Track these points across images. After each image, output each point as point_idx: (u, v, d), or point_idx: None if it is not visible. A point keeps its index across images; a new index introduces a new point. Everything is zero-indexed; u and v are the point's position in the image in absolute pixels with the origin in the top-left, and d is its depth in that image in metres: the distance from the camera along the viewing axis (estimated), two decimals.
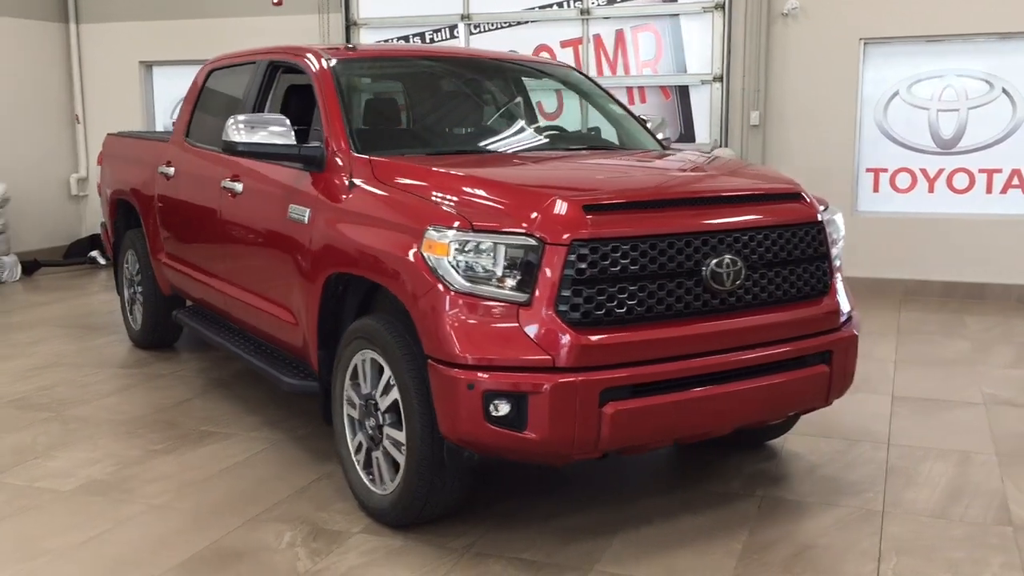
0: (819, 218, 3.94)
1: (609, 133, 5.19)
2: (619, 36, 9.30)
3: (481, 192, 3.60)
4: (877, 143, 8.87)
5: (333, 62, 4.61)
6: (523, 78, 5.40)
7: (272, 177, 4.60)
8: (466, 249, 3.36)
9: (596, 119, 5.30)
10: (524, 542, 3.66)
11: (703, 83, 9.10)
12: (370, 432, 3.82)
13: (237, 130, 4.26)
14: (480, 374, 3.29)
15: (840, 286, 4.12)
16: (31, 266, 10.19)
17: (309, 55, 4.71)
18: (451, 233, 3.38)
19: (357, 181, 4.01)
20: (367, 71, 4.81)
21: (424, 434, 3.50)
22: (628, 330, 3.39)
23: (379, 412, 3.75)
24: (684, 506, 3.99)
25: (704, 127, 9.16)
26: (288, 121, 4.29)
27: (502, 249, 3.35)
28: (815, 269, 3.89)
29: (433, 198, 3.63)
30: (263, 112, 5.03)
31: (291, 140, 4.25)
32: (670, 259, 3.47)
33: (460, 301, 3.36)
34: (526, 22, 9.56)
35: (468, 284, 3.35)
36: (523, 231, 3.36)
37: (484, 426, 3.31)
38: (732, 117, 9.04)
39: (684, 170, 4.29)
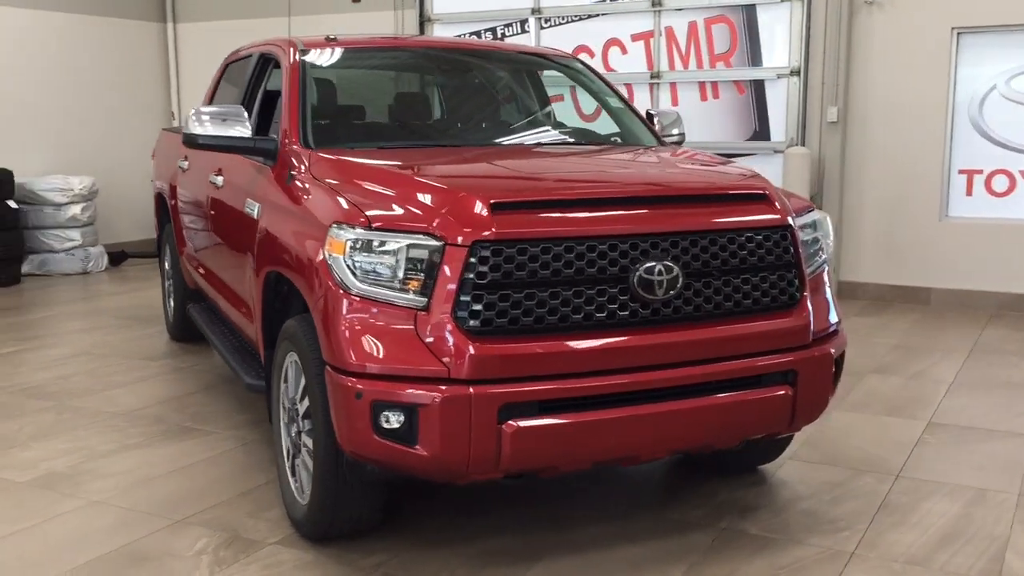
0: (788, 222, 3.52)
1: (604, 127, 4.86)
2: (692, 28, 8.86)
3: (394, 189, 3.37)
4: (971, 142, 8.12)
5: (301, 54, 4.47)
6: (514, 69, 5.12)
7: (240, 170, 4.50)
8: (363, 248, 3.14)
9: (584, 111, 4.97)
10: (438, 564, 3.41)
11: (779, 77, 8.56)
12: (293, 438, 3.66)
13: (196, 122, 4.17)
14: (369, 383, 3.07)
15: (824, 298, 3.71)
16: (118, 257, 10.55)
17: (283, 47, 4.59)
18: (349, 231, 3.17)
19: (294, 175, 3.85)
20: (340, 63, 4.64)
21: (327, 444, 3.30)
22: (536, 341, 3.09)
23: (299, 418, 3.58)
24: (626, 534, 3.65)
25: (780, 124, 8.62)
26: (245, 113, 4.18)
27: (401, 249, 3.11)
28: (778, 279, 3.48)
29: (346, 194, 3.42)
30: (253, 106, 4.93)
31: (247, 133, 4.13)
32: (589, 264, 3.14)
33: (355, 304, 3.14)
34: (596, 15, 9.23)
35: (364, 286, 3.13)
36: (423, 231, 3.12)
37: (373, 439, 3.08)
38: (810, 114, 8.47)
39: (633, 167, 3.94)
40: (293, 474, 3.71)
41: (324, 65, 4.53)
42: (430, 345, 3.05)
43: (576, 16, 9.32)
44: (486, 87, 5.10)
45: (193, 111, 4.19)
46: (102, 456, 4.51)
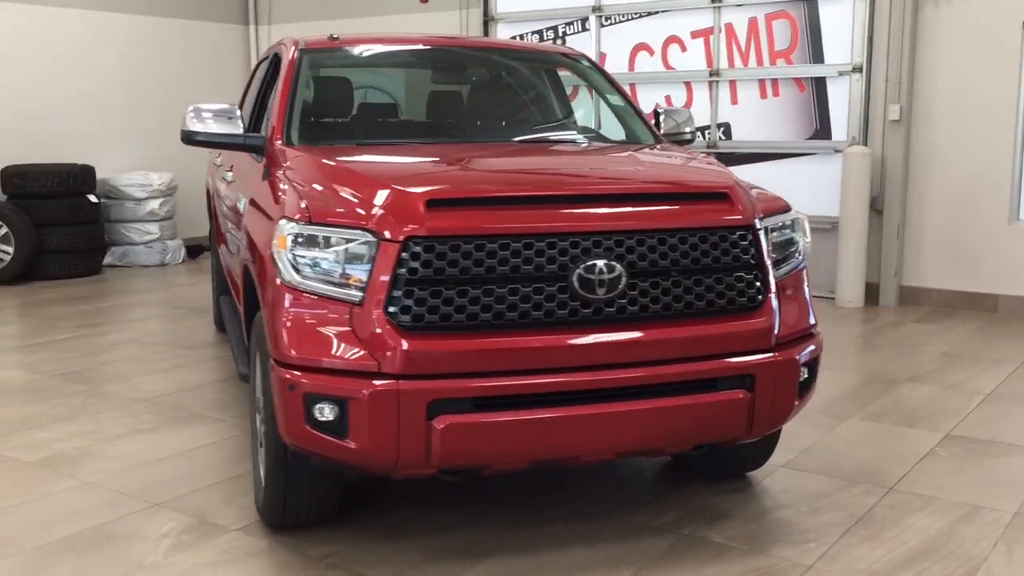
0: (750, 222, 3.42)
1: (606, 125, 4.80)
2: (752, 24, 8.65)
3: (345, 185, 3.41)
4: None
5: (300, 53, 4.56)
6: (513, 67, 5.11)
7: (242, 167, 4.63)
8: (304, 243, 3.19)
9: (583, 108, 4.92)
10: (380, 557, 3.44)
11: (841, 74, 8.28)
12: (258, 428, 3.75)
13: (194, 119, 4.30)
14: (303, 375, 3.12)
15: (797, 301, 3.60)
16: (195, 250, 10.96)
17: (286, 46, 4.69)
18: (292, 226, 3.23)
19: (271, 171, 3.94)
20: (338, 62, 4.72)
21: (275, 436, 3.37)
22: (469, 338, 3.08)
23: (261, 408, 3.66)
24: (584, 536, 3.61)
25: (841, 123, 8.33)
26: (238, 111, 4.29)
27: (338, 244, 3.15)
28: (736, 281, 3.38)
29: (301, 190, 3.48)
30: (266, 103, 5.06)
31: (237, 129, 4.24)
32: (526, 261, 3.12)
33: (295, 297, 3.20)
34: (656, 12, 9.11)
35: (304, 280, 3.18)
36: (360, 226, 3.15)
37: (307, 430, 3.14)
38: (873, 112, 8.16)
39: (596, 165, 3.89)
40: (258, 463, 3.79)
41: (322, 64, 4.62)
42: (363, 340, 3.08)
43: (636, 13, 9.22)
44: (483, 85, 5.10)
45: (191, 108, 4.32)
46: (110, 439, 4.70)
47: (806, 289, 3.74)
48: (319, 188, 3.45)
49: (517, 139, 4.58)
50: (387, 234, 3.09)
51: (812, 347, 3.61)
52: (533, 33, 9.88)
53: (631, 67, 9.33)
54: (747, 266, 3.40)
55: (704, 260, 3.32)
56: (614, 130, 4.88)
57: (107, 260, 10.29)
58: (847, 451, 4.53)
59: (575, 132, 4.79)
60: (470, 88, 5.07)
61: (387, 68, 5.06)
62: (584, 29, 9.54)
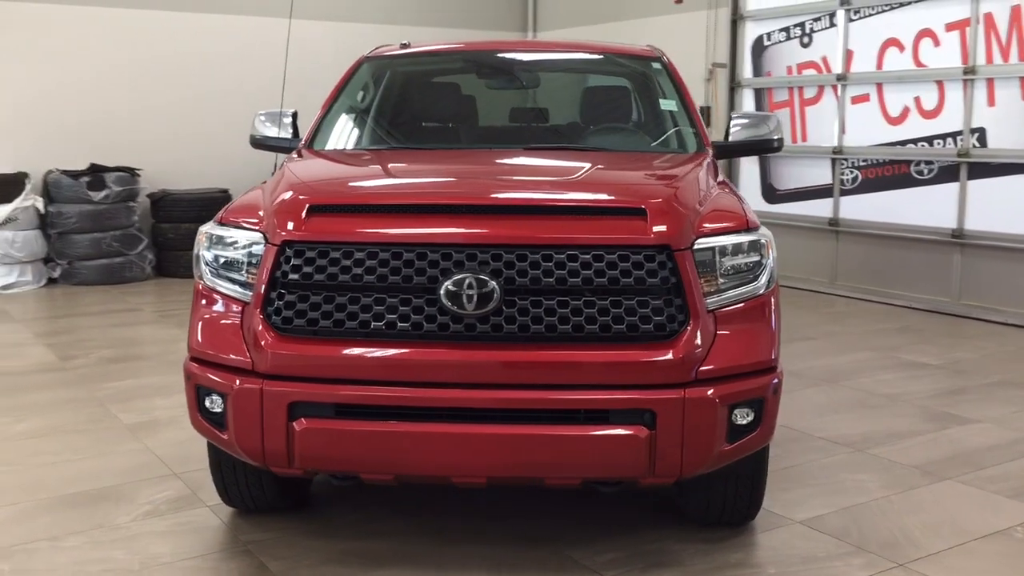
0: (667, 243, 3.06)
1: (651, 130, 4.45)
2: (1015, 14, 7.44)
3: (273, 187, 3.52)
4: None
5: (364, 60, 4.74)
6: (569, 69, 4.87)
7: None
8: (214, 243, 3.38)
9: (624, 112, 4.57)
10: (295, 551, 3.52)
11: None
12: None
13: (258, 124, 4.65)
14: (197, 367, 3.31)
15: (747, 332, 3.19)
16: None
17: (368, 55, 4.87)
18: (209, 225, 3.43)
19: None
20: (391, 68, 4.80)
21: None
22: (333, 344, 3.09)
23: None
24: (502, 561, 3.42)
25: None
26: (290, 117, 4.57)
27: (238, 245, 3.30)
28: (639, 305, 3.04)
29: (250, 191, 3.66)
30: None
31: (286, 134, 4.52)
32: (394, 272, 3.06)
33: (202, 293, 3.39)
34: (909, 3, 8.14)
35: (211, 278, 3.37)
36: (255, 228, 3.28)
37: (199, 419, 3.33)
38: None
39: (530, 175, 3.72)
40: None
41: (379, 72, 4.76)
42: (245, 338, 3.20)
43: (887, 5, 8.30)
44: (528, 90, 4.94)
45: (259, 114, 4.67)
46: (183, 416, 5.19)
47: (771, 318, 3.26)
48: (260, 191, 3.61)
49: (539, 146, 4.39)
50: (270, 237, 3.19)
51: (757, 385, 3.15)
52: (780, 30, 9.26)
53: (879, 65, 8.43)
54: (656, 290, 3.05)
55: (598, 281, 3.03)
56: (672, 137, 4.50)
57: None
58: (895, 516, 3.84)
59: (614, 139, 4.48)
60: (512, 94, 4.95)
61: (441, 74, 5.08)
62: (832, 25, 8.78)
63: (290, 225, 3.16)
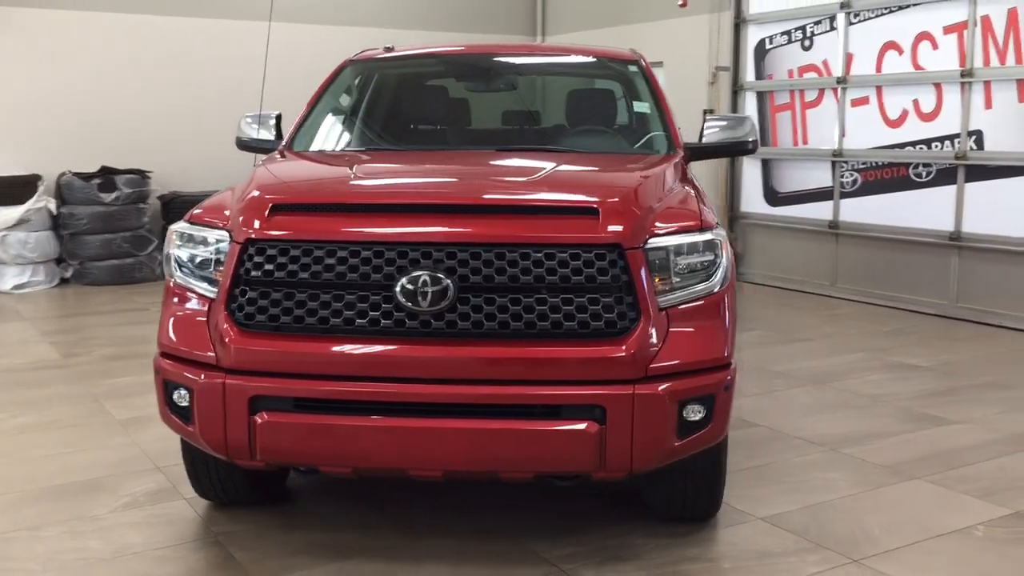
0: (618, 242, 3.13)
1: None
2: (1012, 17, 7.44)
3: (243, 187, 3.62)
4: None
5: (347, 64, 4.84)
6: (545, 72, 4.94)
7: None
8: (183, 241, 3.48)
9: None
10: (263, 543, 3.62)
11: None
12: None
13: (244, 126, 4.76)
14: (164, 362, 3.41)
15: (699, 330, 3.25)
16: None
17: (351, 58, 4.97)
18: (178, 224, 3.54)
19: None
20: (371, 71, 4.90)
21: None
22: (293, 340, 3.19)
23: None
24: (458, 553, 3.50)
25: None
26: (276, 117, 4.67)
27: (205, 243, 3.40)
28: (590, 303, 3.11)
29: (221, 192, 3.76)
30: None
31: (269, 135, 4.63)
32: (352, 269, 3.16)
33: (171, 290, 3.50)
34: (908, 6, 8.15)
35: (180, 275, 3.47)
36: (222, 226, 3.38)
37: (167, 413, 3.43)
38: None
39: (487, 175, 3.80)
40: None
41: (358, 73, 4.86)
42: (211, 334, 3.30)
43: (886, 9, 8.31)
44: (505, 93, 5.01)
45: (246, 116, 4.78)
46: None
47: (724, 316, 3.33)
48: (231, 191, 3.71)
49: (511, 147, 4.47)
50: (234, 235, 3.29)
51: (709, 382, 3.21)
52: (782, 34, 9.28)
53: (879, 68, 8.44)
54: (607, 288, 3.12)
55: (550, 279, 3.11)
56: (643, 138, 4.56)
57: None
58: (858, 514, 3.89)
59: (587, 140, 4.54)
60: (490, 96, 5.03)
61: (420, 78, 5.16)
62: (832, 28, 8.79)
63: (254, 224, 3.26)
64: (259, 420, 3.18)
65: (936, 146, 8.03)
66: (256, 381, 3.20)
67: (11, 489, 4.17)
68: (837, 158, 8.84)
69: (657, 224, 3.27)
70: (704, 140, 4.44)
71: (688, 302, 3.26)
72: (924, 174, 8.16)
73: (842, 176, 8.85)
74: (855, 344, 7.03)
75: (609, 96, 4.82)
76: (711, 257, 3.32)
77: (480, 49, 5.12)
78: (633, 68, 4.77)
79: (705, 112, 9.93)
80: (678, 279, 3.26)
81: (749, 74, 9.65)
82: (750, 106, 9.69)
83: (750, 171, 9.77)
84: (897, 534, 3.70)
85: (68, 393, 5.68)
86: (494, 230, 3.15)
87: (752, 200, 9.78)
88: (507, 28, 12.26)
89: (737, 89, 9.74)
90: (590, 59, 5.02)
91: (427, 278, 3.09)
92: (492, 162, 4.12)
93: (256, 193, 3.40)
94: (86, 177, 9.57)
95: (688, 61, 10.12)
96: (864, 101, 8.61)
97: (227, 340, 3.22)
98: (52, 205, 9.52)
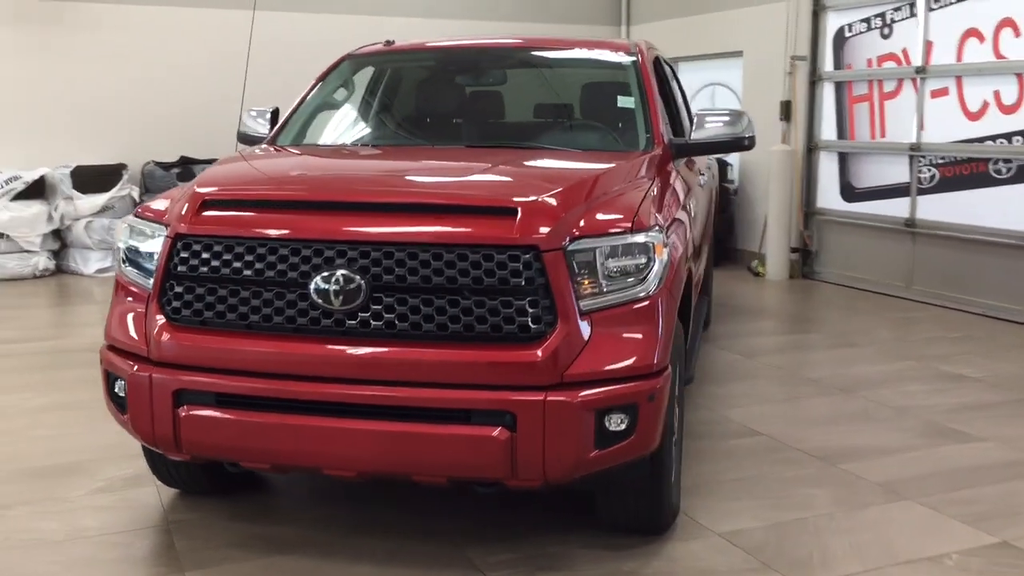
0: (535, 244, 3.02)
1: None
2: None
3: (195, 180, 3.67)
4: None
5: (345, 58, 4.84)
6: (539, 66, 4.78)
7: None
8: (130, 235, 3.55)
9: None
10: (209, 532, 3.67)
11: None
12: None
13: (247, 119, 4.83)
14: (108, 354, 3.49)
15: (624, 335, 3.12)
16: None
17: (350, 53, 4.97)
18: (128, 218, 3.60)
19: None
20: (366, 65, 4.86)
21: None
22: (211, 335, 3.22)
23: None
24: (389, 554, 3.47)
25: None
26: (270, 111, 4.72)
27: (146, 237, 3.46)
28: (503, 305, 3.02)
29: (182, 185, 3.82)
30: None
31: (264, 129, 4.68)
32: (269, 267, 3.15)
33: (118, 284, 3.58)
34: None
35: (124, 268, 3.54)
36: (162, 221, 3.42)
37: (109, 403, 3.51)
38: None
39: (422, 173, 3.77)
40: None
41: (354, 68, 4.84)
42: (146, 327, 3.36)
43: None
44: (495, 88, 4.89)
45: (251, 110, 4.85)
46: None
47: (657, 322, 3.17)
48: (187, 185, 3.76)
49: (478, 144, 4.37)
50: (167, 230, 3.33)
51: (631, 391, 3.06)
52: (861, 21, 8.82)
53: (959, 57, 7.92)
54: (521, 291, 3.01)
55: (463, 280, 3.03)
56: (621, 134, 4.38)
57: None
58: (826, 534, 3.65)
59: (561, 136, 4.38)
60: (476, 91, 4.92)
61: (417, 72, 5.09)
62: (912, 15, 8.30)
63: (184, 219, 3.29)
64: (182, 413, 3.22)
65: (1017, 140, 7.48)
66: (181, 375, 3.23)
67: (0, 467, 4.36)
68: (915, 152, 8.35)
69: (584, 225, 3.14)
70: (697, 136, 4.23)
71: (616, 306, 3.12)
72: (1004, 170, 7.62)
73: (920, 172, 8.36)
74: (910, 351, 6.63)
75: (595, 91, 4.66)
76: (644, 260, 3.16)
77: (475, 44, 5.02)
78: (627, 61, 4.59)
79: (782, 104, 9.57)
80: (607, 282, 3.12)
81: (827, 64, 9.22)
82: (828, 97, 9.26)
83: (827, 165, 9.34)
84: (857, 559, 3.46)
85: (97, 376, 5.88)
86: (407, 229, 3.09)
87: (828, 196, 9.35)
88: (592, 19, 12.08)
89: (815, 80, 9.32)
90: (582, 53, 4.87)
91: (340, 276, 3.06)
92: (434, 160, 4.04)
93: (194, 188, 3.43)
94: (166, 167, 9.94)
95: (766, 50, 9.74)
96: (943, 92, 8.10)
97: (155, 333, 3.27)
98: (135, 193, 9.92)
